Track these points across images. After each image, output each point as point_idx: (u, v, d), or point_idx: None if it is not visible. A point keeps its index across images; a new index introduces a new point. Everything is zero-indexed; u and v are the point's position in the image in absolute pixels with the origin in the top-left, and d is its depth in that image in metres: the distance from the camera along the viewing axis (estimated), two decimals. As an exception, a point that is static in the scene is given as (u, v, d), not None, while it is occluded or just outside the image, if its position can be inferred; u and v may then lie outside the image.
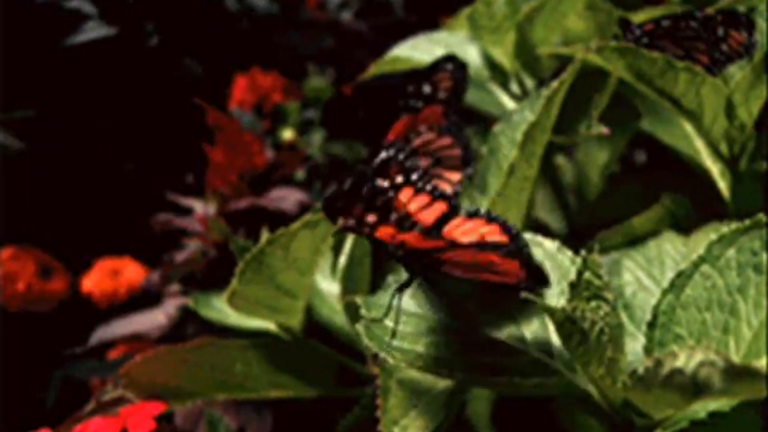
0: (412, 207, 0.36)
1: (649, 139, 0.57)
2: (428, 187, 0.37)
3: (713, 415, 0.32)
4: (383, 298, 0.38)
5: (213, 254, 0.60)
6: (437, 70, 0.48)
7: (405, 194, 0.36)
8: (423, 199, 0.37)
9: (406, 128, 0.47)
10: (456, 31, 0.65)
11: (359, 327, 0.36)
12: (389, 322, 0.36)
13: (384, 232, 0.34)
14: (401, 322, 0.36)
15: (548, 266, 0.36)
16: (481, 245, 0.34)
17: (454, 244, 0.34)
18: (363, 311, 0.37)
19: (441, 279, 0.37)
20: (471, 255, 0.34)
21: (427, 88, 0.48)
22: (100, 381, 0.60)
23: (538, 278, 0.32)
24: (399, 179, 0.36)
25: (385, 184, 0.36)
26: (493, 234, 0.35)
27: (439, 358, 0.34)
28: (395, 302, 0.37)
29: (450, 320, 0.36)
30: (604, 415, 0.33)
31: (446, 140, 0.47)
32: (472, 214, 0.36)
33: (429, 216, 0.36)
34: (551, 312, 0.30)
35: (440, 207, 0.37)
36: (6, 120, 0.69)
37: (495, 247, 0.33)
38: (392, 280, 0.39)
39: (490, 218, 0.35)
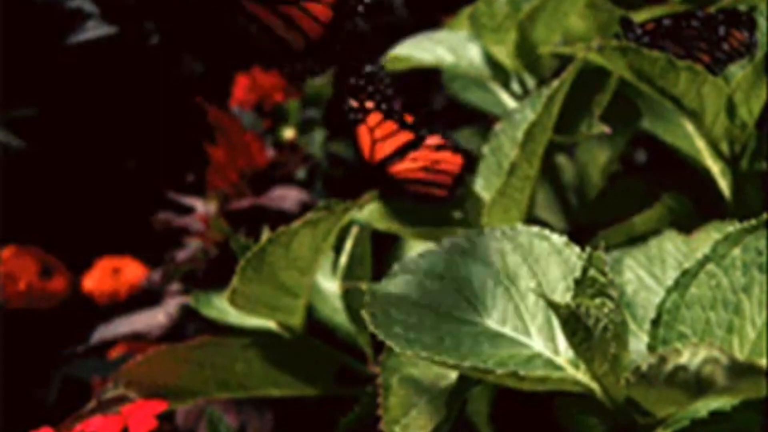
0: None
1: (650, 139, 0.57)
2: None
3: (714, 413, 0.32)
4: (388, 286, 0.38)
5: (214, 253, 0.60)
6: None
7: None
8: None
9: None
10: (457, 30, 0.65)
11: (364, 314, 0.35)
12: (394, 312, 0.36)
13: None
14: (406, 312, 0.36)
15: (555, 261, 0.37)
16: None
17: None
18: (367, 299, 0.37)
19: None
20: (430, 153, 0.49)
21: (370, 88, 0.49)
22: (101, 380, 0.60)
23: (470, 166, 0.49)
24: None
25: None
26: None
27: (444, 348, 0.34)
28: (401, 292, 0.37)
29: (456, 312, 0.36)
30: (605, 413, 0.33)
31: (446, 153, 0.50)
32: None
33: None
34: (556, 308, 0.30)
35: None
36: (6, 119, 0.69)
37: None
38: (397, 268, 0.39)
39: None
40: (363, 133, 0.49)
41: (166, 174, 0.75)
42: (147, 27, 0.76)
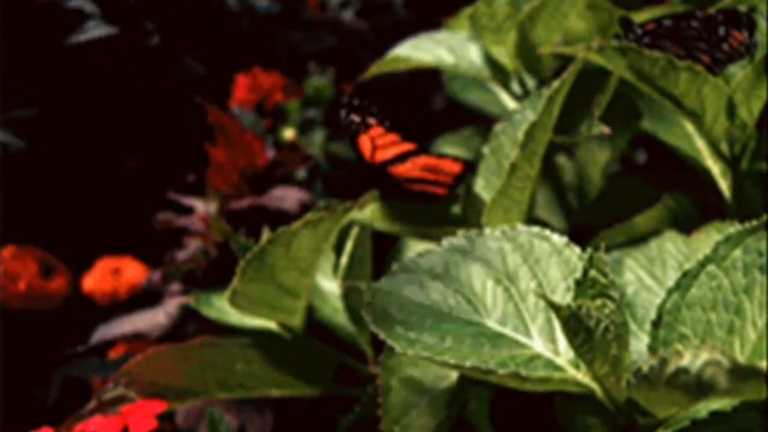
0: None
1: (650, 139, 0.57)
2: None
3: (715, 414, 0.32)
4: (388, 285, 0.38)
5: (214, 253, 0.60)
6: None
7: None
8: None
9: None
10: (457, 30, 0.65)
11: (364, 314, 0.35)
12: (395, 312, 0.36)
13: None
14: (407, 312, 0.36)
15: (555, 261, 0.37)
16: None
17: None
18: (367, 299, 0.37)
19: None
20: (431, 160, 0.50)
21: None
22: (101, 380, 0.60)
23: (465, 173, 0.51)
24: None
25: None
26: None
27: (445, 348, 0.34)
28: (402, 292, 0.37)
29: (456, 312, 0.36)
30: (605, 414, 0.33)
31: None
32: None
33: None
34: (557, 309, 0.30)
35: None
36: (6, 119, 0.69)
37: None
38: (397, 268, 0.39)
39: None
40: (364, 141, 0.49)
41: (166, 174, 0.75)
42: (147, 27, 0.76)
